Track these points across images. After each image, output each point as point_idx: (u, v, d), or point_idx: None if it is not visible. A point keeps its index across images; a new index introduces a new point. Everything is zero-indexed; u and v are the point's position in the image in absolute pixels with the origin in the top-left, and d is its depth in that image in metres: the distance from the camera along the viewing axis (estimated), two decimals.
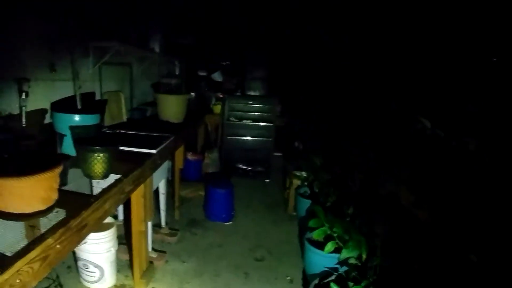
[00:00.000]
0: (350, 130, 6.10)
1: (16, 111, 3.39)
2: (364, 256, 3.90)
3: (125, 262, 4.62)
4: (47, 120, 3.85)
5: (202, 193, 6.98)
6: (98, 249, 3.84)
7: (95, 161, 3.06)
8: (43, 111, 3.83)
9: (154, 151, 4.03)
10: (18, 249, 1.86)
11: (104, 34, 4.84)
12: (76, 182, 3.42)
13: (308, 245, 4.45)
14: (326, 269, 4.18)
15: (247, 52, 9.51)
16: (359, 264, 3.97)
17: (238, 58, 9.90)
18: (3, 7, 3.26)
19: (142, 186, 3.76)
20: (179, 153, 5.84)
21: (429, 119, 3.84)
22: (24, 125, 3.34)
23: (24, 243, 1.98)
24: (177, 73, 8.60)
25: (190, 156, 7.61)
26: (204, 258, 5.03)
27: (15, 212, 2.15)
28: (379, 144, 4.97)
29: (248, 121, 8.74)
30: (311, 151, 7.04)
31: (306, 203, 5.88)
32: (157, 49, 6.63)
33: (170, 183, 6.15)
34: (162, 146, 4.31)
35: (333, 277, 4.02)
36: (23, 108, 3.38)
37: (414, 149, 4.07)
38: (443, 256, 3.26)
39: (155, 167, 4.16)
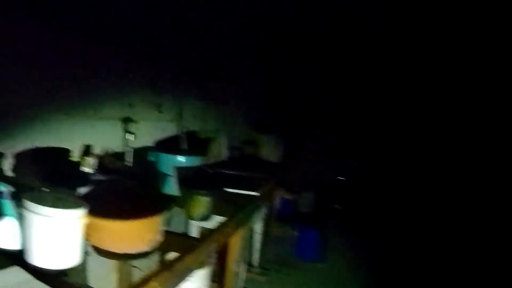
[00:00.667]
0: None
1: (121, 150, 3.53)
2: None
3: None
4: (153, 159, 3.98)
5: (295, 232, 6.95)
6: (189, 287, 3.86)
7: (199, 203, 3.11)
8: (147, 150, 3.96)
9: (255, 193, 4.06)
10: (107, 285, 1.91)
11: (206, 75, 4.96)
12: (177, 222, 3.49)
13: None
14: None
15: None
16: None
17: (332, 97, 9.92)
18: (111, 50, 3.43)
19: (242, 227, 3.79)
20: (275, 192, 5.86)
21: None
22: (129, 164, 3.46)
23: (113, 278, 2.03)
24: (275, 112, 8.66)
25: (285, 195, 7.58)
26: None
27: (119, 252, 2.22)
28: None
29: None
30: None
31: None
32: (257, 88, 6.72)
33: (264, 222, 6.18)
34: (262, 187, 4.34)
35: None
36: (129, 147, 3.52)
37: None
38: None
39: (256, 209, 4.19)
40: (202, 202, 3.13)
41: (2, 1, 2.55)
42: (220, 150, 5.43)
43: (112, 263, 3.15)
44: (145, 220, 2.23)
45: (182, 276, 2.46)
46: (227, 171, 4.85)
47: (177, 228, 3.65)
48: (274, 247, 6.43)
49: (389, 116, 9.56)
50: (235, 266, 3.99)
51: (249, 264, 5.47)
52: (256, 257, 5.51)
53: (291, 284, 5.41)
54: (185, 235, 3.12)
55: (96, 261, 2.42)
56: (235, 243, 3.84)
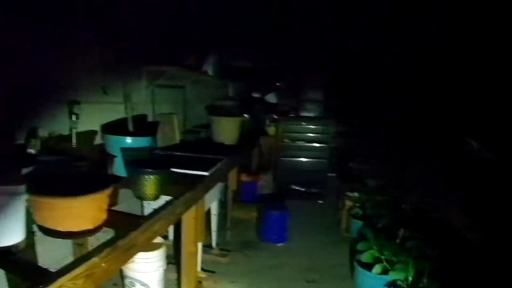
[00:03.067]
0: (406, 152, 6.03)
1: (67, 133, 3.51)
2: (410, 279, 3.86)
3: (173, 282, 4.65)
4: (99, 141, 3.98)
5: (255, 214, 6.99)
6: (146, 268, 3.87)
7: (146, 183, 3.11)
8: (93, 133, 3.94)
9: (206, 173, 4.06)
10: (63, 265, 1.92)
11: (157, 57, 4.94)
12: (127, 202, 3.49)
13: (357, 267, 4.42)
14: None
15: (302, 74, 9.53)
16: (406, 287, 3.92)
17: (293, 79, 9.91)
18: (57, 31, 3.40)
19: (193, 207, 3.80)
20: (232, 175, 5.89)
21: (479, 140, 3.76)
22: (74, 146, 3.45)
23: (70, 260, 2.02)
24: (231, 95, 8.67)
25: (244, 178, 7.64)
26: (255, 279, 5.03)
27: (63, 230, 2.20)
28: (434, 166, 4.91)
29: (302, 142, 8.77)
30: (365, 172, 7.00)
31: (358, 225, 5.84)
32: (211, 72, 6.70)
33: (223, 204, 6.19)
34: (215, 168, 4.35)
35: None
36: (74, 129, 3.49)
37: (465, 170, 4.00)
38: (492, 279, 3.19)
39: (207, 189, 4.20)
40: (150, 182, 3.12)
41: None
42: (173, 132, 5.43)
43: (67, 245, 3.15)
44: (88, 197, 2.20)
45: (128, 254, 2.47)
46: (177, 153, 4.85)
47: (131, 209, 3.66)
48: (235, 229, 6.49)
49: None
50: (191, 247, 4.01)
51: (209, 246, 5.51)
52: (214, 238, 5.53)
53: (252, 265, 5.43)
54: (131, 214, 3.10)
55: (51, 241, 2.42)
56: (188, 223, 3.88)
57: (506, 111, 3.69)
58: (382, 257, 4.22)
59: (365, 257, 4.33)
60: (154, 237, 2.93)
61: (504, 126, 3.60)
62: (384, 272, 4.11)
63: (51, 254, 2.73)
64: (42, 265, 2.16)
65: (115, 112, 4.25)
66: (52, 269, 1.86)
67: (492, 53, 4.03)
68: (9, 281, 2.35)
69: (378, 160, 7.02)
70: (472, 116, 4.18)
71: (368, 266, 4.28)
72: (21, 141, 3.09)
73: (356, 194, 6.53)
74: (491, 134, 3.75)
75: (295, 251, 6.02)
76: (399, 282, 3.99)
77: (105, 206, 2.43)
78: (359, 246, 4.49)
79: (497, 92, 3.90)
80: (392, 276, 3.98)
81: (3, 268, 2.12)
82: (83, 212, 2.24)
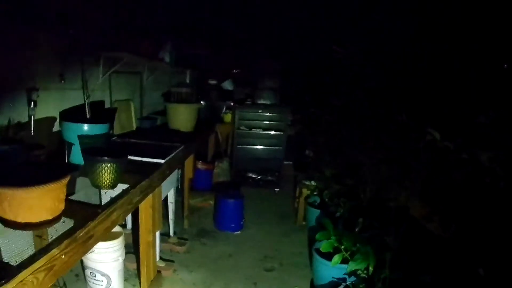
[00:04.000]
0: (361, 141, 6.06)
1: (25, 120, 3.41)
2: (371, 269, 3.88)
3: (133, 271, 4.62)
4: (57, 128, 3.89)
5: (212, 202, 6.95)
6: (105, 258, 3.80)
7: (103, 171, 3.04)
8: (52, 120, 3.85)
9: (162, 161, 4.03)
10: (24, 259, 1.86)
11: (114, 44, 4.85)
12: (85, 191, 3.42)
13: (316, 256, 4.42)
14: (334, 279, 4.16)
15: (258, 62, 9.48)
16: (366, 277, 3.94)
17: (249, 67, 9.87)
18: (13, 19, 3.29)
19: (150, 196, 3.75)
20: (188, 163, 5.84)
21: (439, 131, 3.79)
22: (32, 134, 3.36)
23: (30, 253, 1.98)
24: (187, 82, 8.59)
25: (200, 166, 7.59)
26: (213, 268, 5.01)
27: (22, 222, 2.15)
28: (391, 156, 4.94)
29: (259, 130, 8.75)
30: (322, 161, 7.00)
31: (315, 213, 5.85)
32: (168, 59, 6.64)
33: (179, 192, 6.14)
34: (171, 156, 4.31)
35: None
36: (32, 117, 3.39)
37: (425, 161, 4.04)
38: (452, 269, 3.23)
39: (163, 177, 4.14)
40: (107, 171, 3.06)
41: None
42: (130, 119, 5.36)
43: (28, 236, 3.08)
44: (45, 187, 2.15)
45: (87, 244, 2.41)
46: (134, 140, 4.80)
47: (89, 198, 3.59)
48: (192, 217, 6.45)
49: None
50: (149, 237, 3.96)
51: (166, 235, 5.46)
52: (172, 227, 5.48)
53: (209, 254, 5.41)
54: (89, 204, 3.04)
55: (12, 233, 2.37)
56: (145, 211, 3.83)
57: (468, 101, 3.73)
58: (342, 246, 4.24)
59: (323, 247, 4.32)
60: (112, 227, 2.88)
61: (466, 116, 3.64)
62: (344, 262, 4.12)
63: (13, 247, 2.67)
64: (3, 259, 2.09)
65: (73, 99, 4.17)
66: (13, 263, 1.81)
67: (456, 42, 4.06)
68: None
69: (335, 148, 7.03)
70: (433, 106, 4.21)
71: (327, 255, 4.29)
72: None
73: (313, 182, 6.53)
74: (453, 124, 3.78)
75: (252, 239, 6.01)
76: (359, 272, 4.02)
77: (63, 196, 2.38)
78: (318, 236, 4.48)
79: (459, 82, 3.93)
80: (351, 266, 3.99)
81: None
82: (41, 202, 2.20)
